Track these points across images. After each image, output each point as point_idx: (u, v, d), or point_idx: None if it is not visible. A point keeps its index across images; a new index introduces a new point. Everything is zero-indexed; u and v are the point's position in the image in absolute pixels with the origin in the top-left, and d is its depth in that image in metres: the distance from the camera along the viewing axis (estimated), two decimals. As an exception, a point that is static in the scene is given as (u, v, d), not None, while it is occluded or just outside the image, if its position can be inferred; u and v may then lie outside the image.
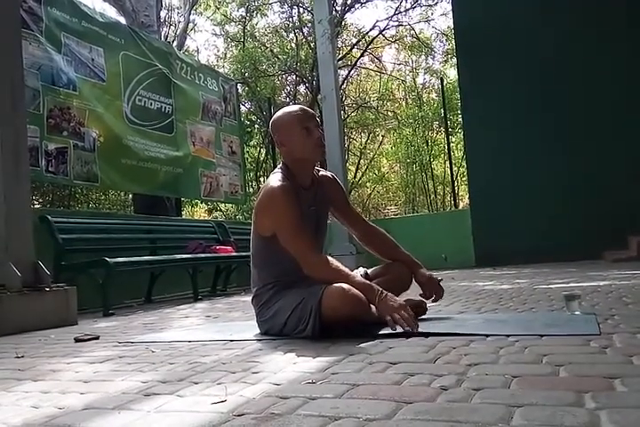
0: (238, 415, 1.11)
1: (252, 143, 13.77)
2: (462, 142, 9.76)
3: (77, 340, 2.55)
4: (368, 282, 2.09)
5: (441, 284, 2.37)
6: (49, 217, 4.45)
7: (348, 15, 13.58)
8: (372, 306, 2.03)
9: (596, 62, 7.10)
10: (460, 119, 9.83)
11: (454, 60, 10.81)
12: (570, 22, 7.27)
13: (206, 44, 27.60)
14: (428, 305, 2.39)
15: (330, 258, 2.11)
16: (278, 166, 2.32)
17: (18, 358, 2.15)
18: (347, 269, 2.10)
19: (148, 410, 1.21)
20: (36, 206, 7.49)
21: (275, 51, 14.43)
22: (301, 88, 15.18)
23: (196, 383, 1.44)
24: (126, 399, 1.32)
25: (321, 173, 2.42)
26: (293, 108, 2.32)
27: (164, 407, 1.22)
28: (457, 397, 1.13)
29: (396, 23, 14.23)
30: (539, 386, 1.17)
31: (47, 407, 1.31)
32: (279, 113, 2.31)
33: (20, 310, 3.16)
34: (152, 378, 1.55)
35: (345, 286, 1.99)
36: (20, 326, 3.10)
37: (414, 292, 2.38)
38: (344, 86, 14.30)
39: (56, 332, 3.05)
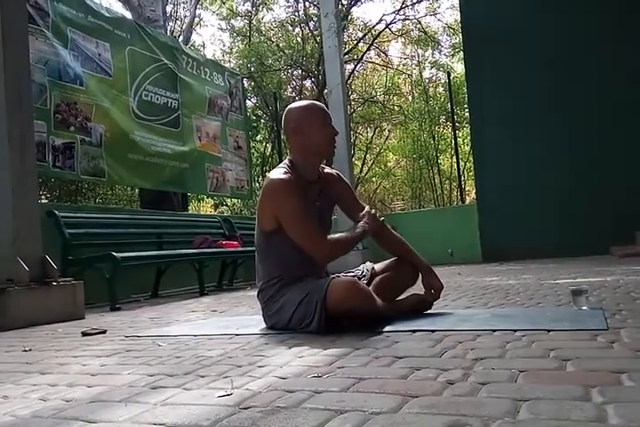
0: (244, 408, 1.11)
1: (257, 138, 13.75)
2: (469, 137, 9.72)
3: (84, 334, 2.56)
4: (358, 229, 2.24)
5: (445, 282, 2.39)
6: (56, 212, 4.47)
7: (354, 9, 13.55)
8: (377, 299, 2.04)
9: (607, 59, 7.02)
10: (467, 114, 9.78)
11: (461, 53, 10.75)
12: (580, 18, 7.19)
13: (212, 38, 27.63)
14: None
15: (329, 238, 2.17)
16: (283, 161, 2.32)
17: (26, 351, 2.17)
18: (342, 234, 2.21)
19: (154, 403, 1.21)
20: (44, 201, 7.52)
21: (281, 45, 14.39)
22: (307, 83, 15.15)
23: (203, 377, 1.44)
24: (133, 392, 1.32)
25: (326, 170, 2.42)
26: (311, 102, 2.39)
27: (171, 400, 1.23)
28: (463, 391, 1.12)
29: (403, 17, 14.19)
30: (545, 380, 1.17)
31: (55, 400, 1.32)
32: (298, 104, 2.35)
33: (28, 304, 3.18)
34: (159, 371, 1.55)
35: (350, 279, 1.99)
36: (27, 320, 3.12)
37: (420, 287, 2.38)
38: (350, 81, 14.25)
39: (63, 326, 3.07)
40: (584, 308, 2.14)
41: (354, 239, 2.21)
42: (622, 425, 0.86)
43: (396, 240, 2.46)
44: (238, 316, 3.02)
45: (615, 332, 1.65)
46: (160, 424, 1.05)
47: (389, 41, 16.29)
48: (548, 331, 1.74)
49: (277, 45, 14.32)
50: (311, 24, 14.06)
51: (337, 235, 2.20)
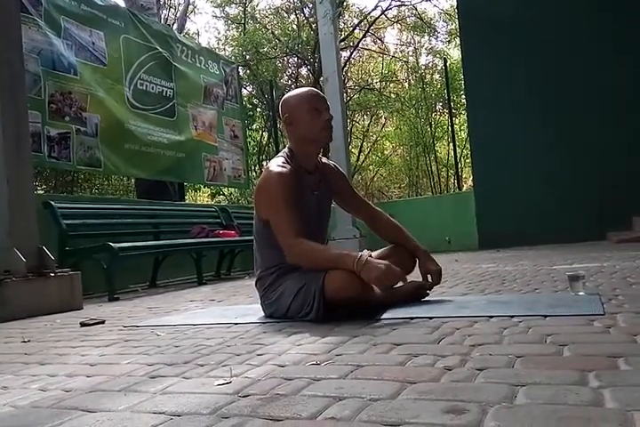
0: (244, 396, 1.12)
1: (254, 127, 13.71)
2: (466, 124, 9.70)
3: (83, 324, 2.57)
4: (344, 251, 2.04)
5: (442, 269, 2.35)
6: (52, 203, 4.45)
7: (349, -5, 13.42)
8: (374, 287, 2.04)
9: (602, 45, 6.99)
10: (464, 100, 9.75)
11: (458, 39, 10.68)
12: (577, 3, 7.14)
13: (207, 26, 27.36)
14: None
15: (308, 242, 2.03)
16: (283, 150, 2.32)
17: (24, 342, 2.17)
18: (322, 246, 2.10)
19: (154, 392, 1.22)
20: (40, 192, 7.49)
21: (276, 32, 14.29)
22: (303, 70, 15.07)
23: (202, 365, 1.45)
24: (132, 382, 1.33)
25: (323, 160, 2.42)
26: (305, 89, 2.34)
27: (170, 389, 1.23)
28: (461, 377, 1.13)
29: (399, 3, 14.10)
30: (542, 366, 1.17)
31: (54, 390, 1.32)
32: (291, 93, 2.32)
33: (26, 295, 3.18)
34: (158, 361, 1.56)
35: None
36: (25, 311, 3.13)
37: (417, 274, 2.38)
38: (346, 68, 14.18)
39: (62, 316, 3.07)
40: (581, 293, 2.15)
41: (326, 260, 2.00)
42: (619, 409, 0.87)
43: (392, 226, 2.47)
44: (236, 305, 3.03)
45: (612, 317, 1.66)
46: (159, 413, 1.06)
47: (385, 27, 16.19)
48: (545, 316, 1.74)
49: (273, 33, 14.21)
50: (306, 11, 13.96)
51: (317, 246, 2.05)
